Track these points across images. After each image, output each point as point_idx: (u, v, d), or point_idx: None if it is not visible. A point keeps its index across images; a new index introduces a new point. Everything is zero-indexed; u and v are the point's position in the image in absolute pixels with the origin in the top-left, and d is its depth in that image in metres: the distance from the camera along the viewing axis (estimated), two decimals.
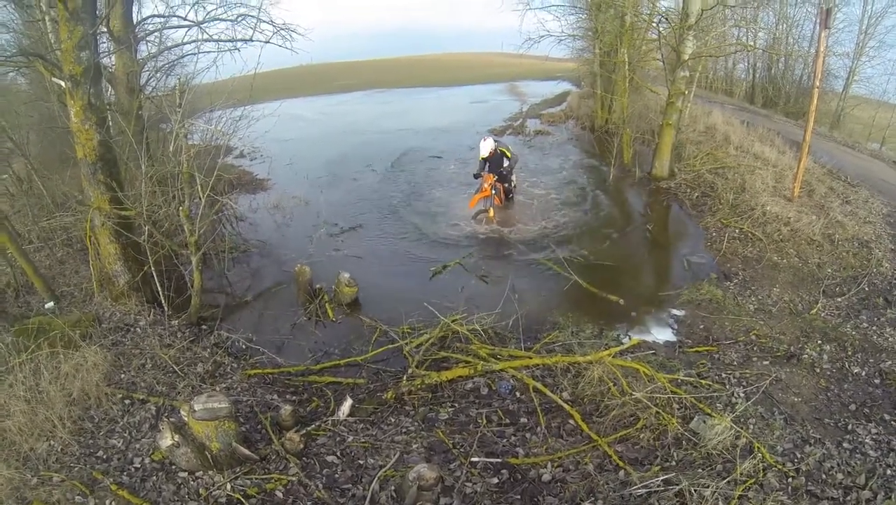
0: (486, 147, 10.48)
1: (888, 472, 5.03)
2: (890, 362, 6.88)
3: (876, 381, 6.64)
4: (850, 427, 5.78)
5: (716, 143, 13.51)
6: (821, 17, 10.12)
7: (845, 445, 5.45)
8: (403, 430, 5.61)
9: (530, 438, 5.48)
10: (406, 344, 7.00)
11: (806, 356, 6.96)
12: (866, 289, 8.39)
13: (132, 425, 5.32)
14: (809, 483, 4.79)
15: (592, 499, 4.64)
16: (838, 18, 21.32)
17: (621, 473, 4.93)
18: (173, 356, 6.44)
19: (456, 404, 6.07)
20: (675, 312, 8.03)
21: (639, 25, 13.47)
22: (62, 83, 6.75)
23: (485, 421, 5.74)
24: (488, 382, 6.35)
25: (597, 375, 5.99)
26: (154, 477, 4.67)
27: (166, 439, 4.54)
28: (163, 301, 7.38)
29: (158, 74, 11.03)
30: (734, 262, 9.15)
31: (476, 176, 10.84)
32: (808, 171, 11.48)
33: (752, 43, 18.86)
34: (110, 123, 8.08)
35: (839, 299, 8.18)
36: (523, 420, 5.81)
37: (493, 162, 10.61)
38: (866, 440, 5.54)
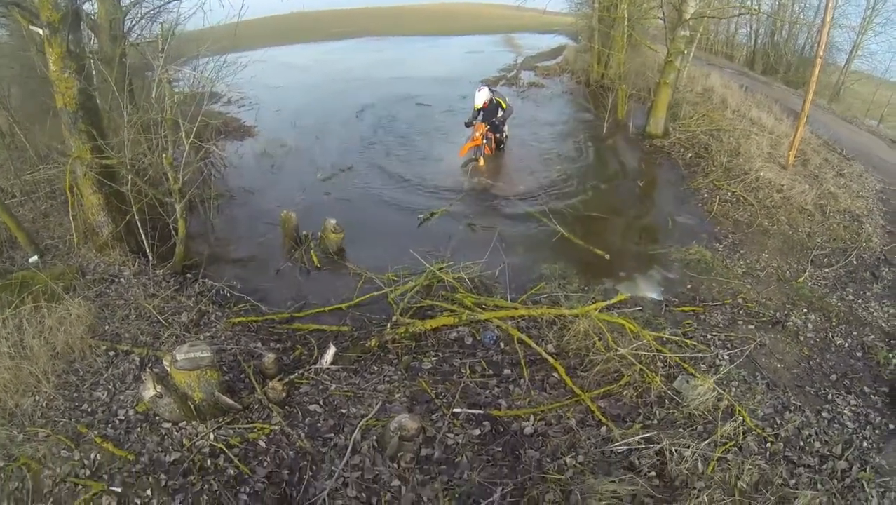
0: (482, 97, 10.27)
1: (864, 444, 5.15)
2: (873, 337, 6.94)
3: (858, 353, 6.70)
4: (829, 397, 5.87)
5: (712, 106, 13.28)
6: None
7: (824, 414, 5.55)
8: (386, 379, 5.61)
9: (513, 391, 5.50)
10: (391, 291, 6.95)
11: (791, 323, 7.00)
12: (854, 262, 8.43)
13: (116, 377, 5.29)
14: (787, 449, 4.89)
15: (574, 454, 4.69)
16: None
17: (603, 428, 4.98)
18: (157, 306, 6.37)
19: (440, 354, 6.06)
20: (663, 270, 8.00)
21: None
22: (40, 31, 6.49)
23: (468, 371, 5.75)
24: (473, 332, 6.31)
25: (582, 329, 5.98)
26: (138, 428, 4.67)
27: (149, 390, 4.52)
28: (147, 251, 7.29)
29: (143, 21, 10.63)
30: (724, 224, 9.10)
31: (468, 125, 10.65)
32: (805, 140, 11.38)
33: (756, 7, 18.45)
34: (93, 72, 7.83)
35: (827, 270, 8.22)
36: (507, 372, 5.82)
37: (487, 112, 10.42)
38: (845, 411, 5.64)
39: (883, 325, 7.18)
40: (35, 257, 7.19)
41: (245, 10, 7.66)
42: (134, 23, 10.47)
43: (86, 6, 9.13)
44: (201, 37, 8.62)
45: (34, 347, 5.26)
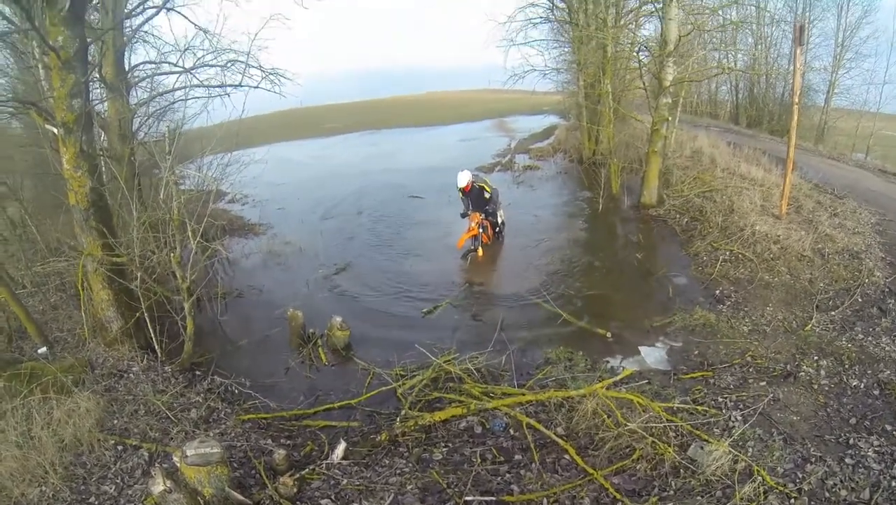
0: (464, 178, 10.59)
1: (893, 483, 4.96)
2: (888, 372, 6.82)
3: (875, 392, 6.57)
4: (851, 441, 5.70)
5: (703, 167, 13.73)
6: (794, 34, 10.38)
7: (847, 460, 5.37)
8: (398, 471, 5.55)
9: (525, 475, 5.42)
10: (399, 386, 7.04)
11: (803, 373, 6.91)
12: (860, 300, 8.40)
13: (124, 471, 5.27)
14: (812, 502, 4.73)
15: None
16: (814, 33, 21.98)
17: None
18: (166, 402, 6.39)
19: (450, 444, 6.02)
20: (668, 340, 8.03)
21: (620, 55, 13.78)
22: (55, 130, 6.82)
23: (479, 459, 5.69)
24: (482, 421, 6.31)
25: (590, 408, 5.96)
26: None
27: (158, 485, 4.50)
28: (156, 347, 7.38)
29: (150, 120, 11.23)
30: (726, 284, 9.19)
31: (464, 216, 10.91)
32: (795, 186, 11.64)
33: (731, 65, 19.26)
34: (102, 170, 8.16)
35: (833, 313, 8.18)
36: (518, 457, 5.76)
37: (475, 199, 10.71)
38: (869, 453, 5.46)
39: None
40: (44, 349, 7.25)
41: (246, 110, 8.06)
42: (142, 122, 11.02)
43: (96, 106, 9.67)
44: (206, 134, 9.06)
45: (42, 437, 5.27)
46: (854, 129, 22.54)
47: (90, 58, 7.47)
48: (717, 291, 9.06)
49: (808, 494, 4.81)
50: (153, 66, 10.61)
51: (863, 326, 7.87)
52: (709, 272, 9.58)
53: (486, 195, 10.70)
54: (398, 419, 6.33)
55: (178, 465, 4.63)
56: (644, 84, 12.75)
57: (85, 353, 7.31)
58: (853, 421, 6.11)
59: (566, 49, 16.27)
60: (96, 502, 4.88)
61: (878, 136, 22.43)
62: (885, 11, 22.22)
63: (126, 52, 10.48)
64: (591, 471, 5.33)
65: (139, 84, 10.99)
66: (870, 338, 7.60)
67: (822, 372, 6.95)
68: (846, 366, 7.04)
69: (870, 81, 22.49)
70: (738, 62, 22.07)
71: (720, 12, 15.23)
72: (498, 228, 11.40)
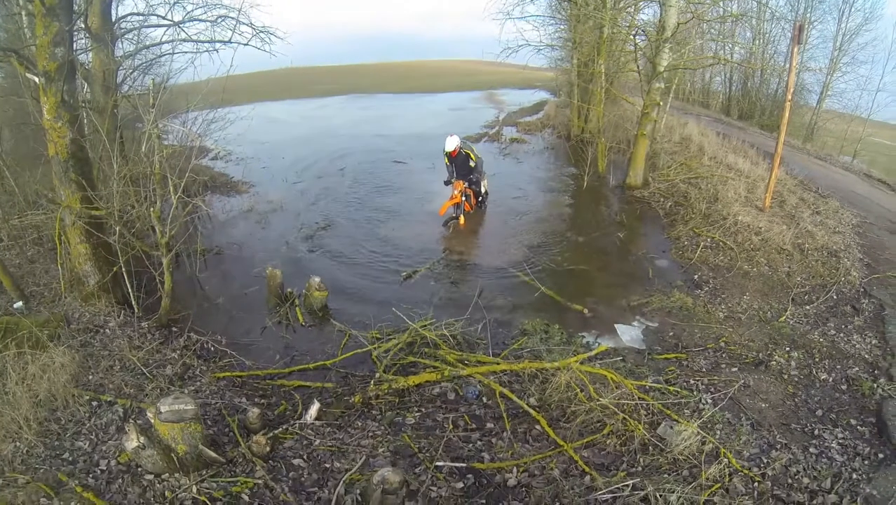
0: (452, 142, 10.53)
1: (854, 476, 5.12)
2: (857, 369, 6.98)
3: (843, 386, 6.72)
4: (816, 432, 5.85)
5: (690, 154, 13.77)
6: (794, 32, 10.39)
7: (812, 449, 5.52)
8: (370, 434, 5.59)
9: (496, 444, 5.49)
10: (375, 348, 7.02)
11: (774, 363, 7.04)
12: (834, 297, 8.53)
13: (99, 427, 5.23)
14: (775, 487, 4.85)
15: (557, 504, 4.66)
16: (813, 35, 22.06)
17: (587, 478, 4.96)
18: (142, 358, 6.35)
19: (423, 409, 6.06)
20: (645, 319, 8.11)
21: (617, 37, 13.69)
22: (36, 79, 6.68)
23: (451, 426, 5.74)
24: (455, 388, 6.35)
25: (564, 381, 6.00)
26: (120, 479, 4.60)
27: (132, 441, 4.48)
28: (133, 302, 7.31)
29: (135, 73, 10.97)
30: (705, 270, 9.27)
31: (447, 183, 10.88)
32: (781, 182, 11.75)
33: (728, 56, 19.27)
34: (84, 121, 7.99)
35: (808, 307, 8.30)
36: (490, 425, 5.82)
37: (460, 167, 10.66)
38: (833, 445, 5.62)
39: (866, 356, 7.23)
40: (20, 303, 7.15)
41: (235, 67, 7.90)
42: (127, 75, 10.75)
43: (81, 57, 9.40)
44: (192, 90, 8.86)
45: (17, 393, 5.21)
46: (843, 132, 22.78)
47: (76, 6, 7.26)
48: (696, 276, 9.14)
49: (772, 479, 4.93)
50: (141, 17, 10.31)
51: (836, 322, 8.01)
52: (689, 257, 9.67)
53: (472, 163, 10.66)
54: (372, 382, 6.33)
55: (152, 421, 4.61)
56: (638, 67, 12.70)
57: (61, 307, 7.22)
58: (819, 413, 6.25)
59: (562, 26, 16.10)
60: (70, 458, 4.85)
61: (866, 141, 22.75)
62: (885, 20, 22.44)
63: (113, 3, 10.18)
64: (561, 443, 5.40)
65: (125, 36, 10.71)
66: (842, 334, 7.73)
67: (793, 363, 7.07)
68: (816, 359, 7.18)
69: (863, 87, 22.75)
70: (734, 55, 22.08)
71: (721, 3, 15.22)
72: (481, 198, 11.39)
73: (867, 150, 22.68)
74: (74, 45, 7.57)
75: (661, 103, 12.93)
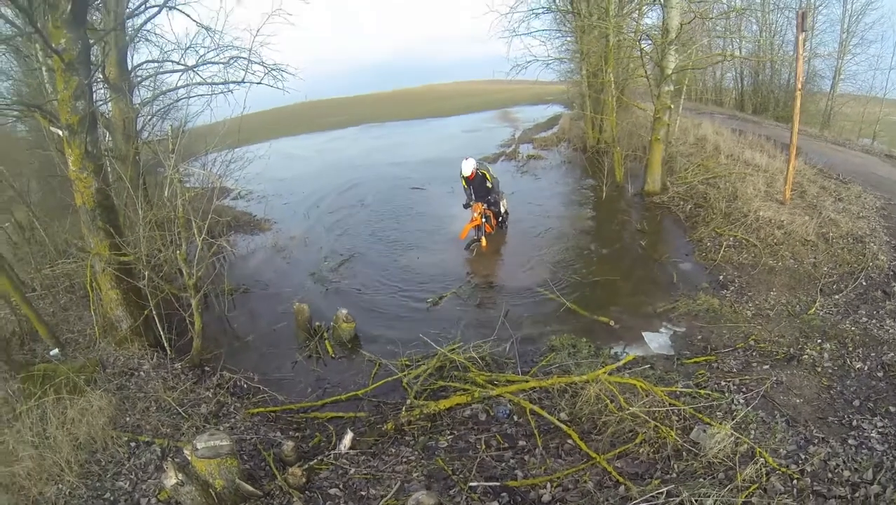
0: (468, 167, 10.60)
1: None
2: (892, 354, 6.80)
3: (879, 373, 6.56)
4: (854, 423, 5.72)
5: (706, 154, 13.65)
6: (797, 20, 10.32)
7: (850, 441, 5.39)
8: (404, 459, 5.64)
9: (529, 460, 5.49)
10: (404, 375, 7.12)
11: (806, 356, 6.92)
12: (864, 283, 8.37)
13: (138, 467, 5.38)
14: (815, 483, 4.74)
15: None
16: (819, 20, 21.75)
17: (621, 488, 4.93)
18: (177, 398, 6.52)
19: (455, 432, 6.11)
20: (671, 325, 8.05)
21: (623, 44, 13.73)
22: (60, 132, 6.90)
23: (483, 446, 5.76)
24: (486, 408, 6.39)
25: (593, 394, 6.00)
26: None
27: (170, 478, 4.60)
28: (165, 344, 7.51)
29: (154, 119, 11.24)
30: (729, 270, 9.18)
31: (466, 206, 10.93)
32: (799, 172, 11.57)
33: (735, 52, 19.11)
34: (108, 170, 8.24)
35: (837, 297, 8.16)
36: (521, 443, 5.83)
37: (478, 188, 10.72)
38: (872, 434, 5.47)
39: None
40: (56, 350, 7.36)
41: (248, 107, 8.11)
42: (146, 121, 11.08)
43: (101, 107, 9.74)
44: (209, 132, 9.13)
45: (57, 437, 5.38)
46: (860, 115, 22.27)
47: (93, 58, 7.51)
48: (721, 277, 9.05)
49: (811, 475, 4.82)
50: (156, 64, 10.64)
51: (867, 308, 7.85)
52: (712, 258, 9.58)
53: (488, 184, 10.71)
54: (404, 408, 6.41)
55: (190, 458, 4.73)
56: (646, 72, 12.70)
57: (96, 352, 7.42)
58: (857, 403, 6.11)
59: (569, 38, 16.16)
60: (112, 498, 4.98)
61: (884, 121, 22.19)
62: None
63: (129, 52, 10.48)
64: (594, 455, 5.38)
65: (142, 83, 11.04)
66: (874, 321, 7.57)
67: (826, 355, 6.94)
68: (850, 348, 7.03)
69: (876, 67, 22.27)
70: (742, 49, 21.90)
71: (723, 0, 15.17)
72: (501, 218, 11.41)
73: (886, 131, 22.13)
74: (94, 96, 7.84)
75: (673, 106, 12.87)
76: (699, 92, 25.13)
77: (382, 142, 21.01)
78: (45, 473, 5.10)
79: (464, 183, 10.83)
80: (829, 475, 4.86)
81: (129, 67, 10.49)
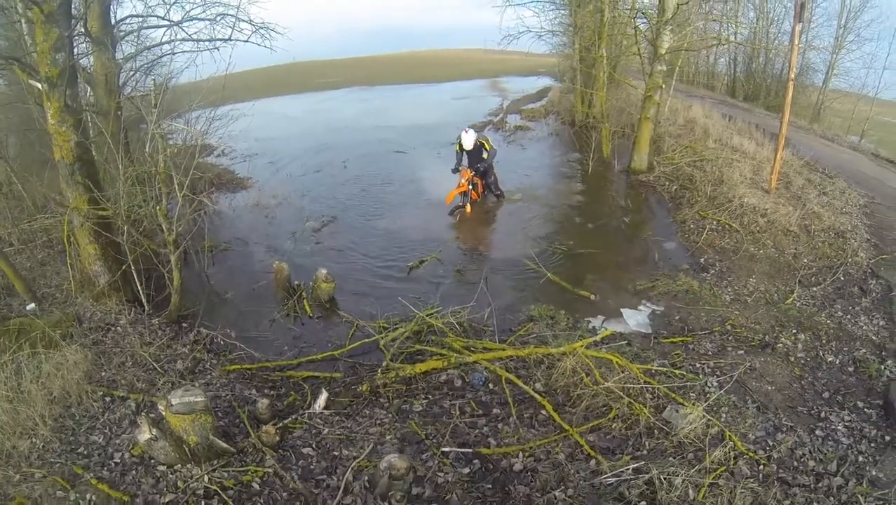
0: (469, 139, 10.53)
1: (860, 458, 5.13)
2: (864, 350, 6.95)
3: (850, 368, 6.70)
4: (822, 415, 5.86)
5: (695, 137, 13.64)
6: (795, 10, 10.26)
7: (818, 432, 5.53)
8: (378, 421, 5.68)
9: (502, 429, 5.55)
10: (382, 338, 7.08)
11: (780, 345, 7.03)
12: (842, 278, 8.47)
13: (112, 422, 5.36)
14: (781, 470, 4.86)
15: (563, 487, 4.71)
16: (817, 13, 21.76)
17: (592, 462, 5.01)
18: (153, 354, 6.47)
19: (429, 396, 6.14)
20: (650, 303, 8.12)
21: (618, 21, 13.57)
22: (38, 85, 6.71)
23: (458, 412, 5.81)
24: (462, 374, 6.42)
25: (569, 366, 6.05)
26: (133, 471, 4.74)
27: (144, 433, 4.60)
28: (143, 300, 7.43)
29: (137, 75, 10.96)
30: (711, 253, 9.24)
31: (454, 171, 10.88)
32: (786, 162, 11.62)
33: (731, 37, 19.03)
34: (88, 124, 8.05)
35: (815, 289, 8.26)
36: (496, 411, 5.88)
37: (472, 156, 10.65)
38: (839, 427, 5.62)
39: (873, 337, 7.21)
40: (32, 305, 7.26)
41: (234, 65, 7.92)
42: (129, 76, 10.79)
43: (82, 61, 9.46)
44: (194, 89, 8.91)
45: (32, 391, 5.33)
46: (850, 112, 22.44)
47: (74, 11, 7.32)
48: (702, 259, 9.12)
49: (777, 462, 4.95)
50: (140, 19, 10.28)
51: (843, 303, 7.96)
52: (695, 240, 9.63)
53: (484, 154, 10.66)
54: (380, 371, 6.41)
55: (164, 413, 4.71)
56: (640, 51, 12.60)
57: (73, 307, 7.33)
58: (826, 395, 6.25)
59: (563, 11, 15.95)
60: (85, 452, 4.97)
61: (874, 120, 22.38)
62: None
63: (112, 6, 10.14)
64: (567, 427, 5.45)
65: (126, 38, 10.69)
66: (849, 316, 7.70)
67: (800, 345, 7.06)
68: (823, 341, 7.17)
69: (869, 65, 22.38)
70: (738, 35, 21.79)
71: None
72: (497, 189, 11.37)
73: (875, 130, 22.33)
74: (75, 50, 7.62)
75: (664, 86, 12.82)
76: (691, 74, 25.09)
77: (371, 105, 20.76)
78: (18, 426, 5.06)
79: (458, 148, 10.76)
80: (795, 463, 4.99)
81: (113, 21, 10.15)
